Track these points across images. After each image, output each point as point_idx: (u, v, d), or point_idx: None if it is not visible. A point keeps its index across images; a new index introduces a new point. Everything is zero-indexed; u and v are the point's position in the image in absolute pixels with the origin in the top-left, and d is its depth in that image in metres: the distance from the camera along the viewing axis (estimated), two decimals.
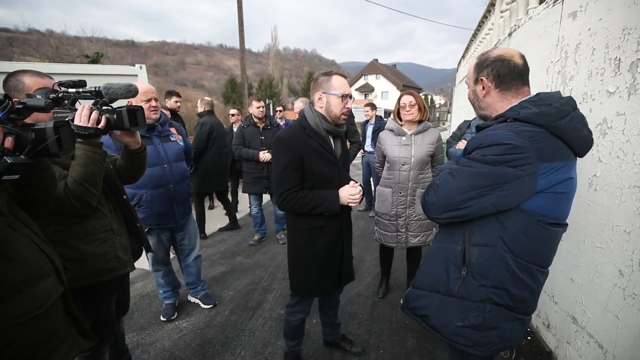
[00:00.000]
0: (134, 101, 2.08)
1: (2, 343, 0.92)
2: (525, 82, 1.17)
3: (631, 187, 1.53)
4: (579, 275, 1.91)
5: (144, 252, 1.95)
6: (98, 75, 5.28)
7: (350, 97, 1.75)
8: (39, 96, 1.11)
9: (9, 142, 0.86)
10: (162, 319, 2.67)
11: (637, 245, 1.49)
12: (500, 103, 1.18)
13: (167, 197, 2.37)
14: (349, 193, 1.72)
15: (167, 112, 4.08)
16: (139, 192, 2.29)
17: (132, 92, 1.39)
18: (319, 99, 1.70)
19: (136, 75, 5.90)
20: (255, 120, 3.89)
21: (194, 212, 3.11)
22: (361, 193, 1.76)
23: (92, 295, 1.59)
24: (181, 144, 2.53)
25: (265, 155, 3.76)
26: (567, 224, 1.14)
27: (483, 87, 1.20)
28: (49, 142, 0.91)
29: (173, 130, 2.50)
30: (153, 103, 2.22)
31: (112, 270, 1.59)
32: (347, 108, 1.73)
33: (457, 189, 1.10)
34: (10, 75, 1.34)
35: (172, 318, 2.69)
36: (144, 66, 6.28)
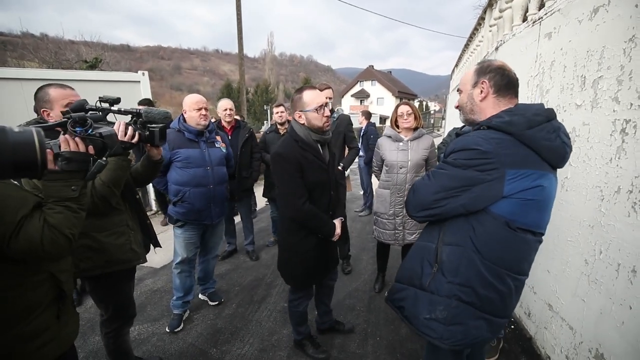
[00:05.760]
0: (187, 109, 2.51)
1: (68, 287, 1.22)
2: (517, 95, 1.26)
3: (594, 187, 1.78)
4: (553, 266, 2.15)
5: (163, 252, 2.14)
6: (101, 82, 5.47)
7: (326, 104, 1.86)
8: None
9: (91, 149, 1.11)
10: (166, 330, 2.63)
11: (598, 237, 1.74)
12: (492, 109, 1.23)
13: (207, 196, 2.58)
14: (338, 229, 2.00)
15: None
16: (183, 189, 2.51)
17: (168, 118, 1.66)
18: (299, 117, 1.85)
19: (138, 81, 6.12)
20: (278, 126, 3.90)
21: None
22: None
23: (115, 281, 1.81)
24: (224, 150, 2.77)
25: None
26: (540, 233, 1.18)
27: (481, 91, 1.24)
28: (117, 147, 1.17)
29: (218, 138, 2.76)
30: (203, 112, 2.53)
31: (128, 260, 1.81)
32: (326, 116, 1.84)
33: (431, 189, 1.20)
34: (39, 89, 1.59)
35: (176, 330, 2.63)
36: (146, 73, 6.49)
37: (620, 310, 1.58)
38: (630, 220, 1.53)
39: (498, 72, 1.22)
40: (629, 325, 1.53)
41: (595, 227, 1.76)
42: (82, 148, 1.08)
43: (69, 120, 1.06)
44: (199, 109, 2.51)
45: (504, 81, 1.22)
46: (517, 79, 1.25)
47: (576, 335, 1.89)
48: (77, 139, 1.06)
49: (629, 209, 1.53)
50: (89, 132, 1.09)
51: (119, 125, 1.53)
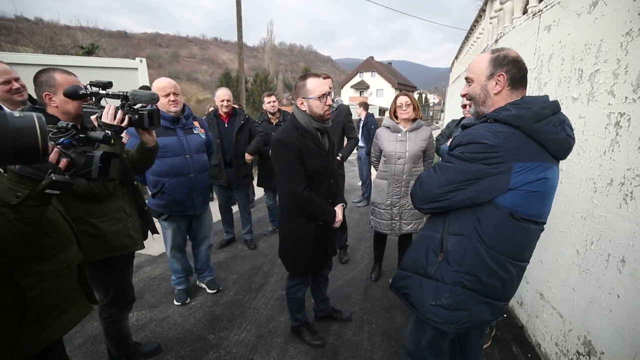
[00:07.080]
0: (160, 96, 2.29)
1: (36, 293, 1.15)
2: (526, 86, 1.26)
3: (587, 180, 1.81)
4: (546, 257, 2.19)
5: (161, 242, 2.16)
6: (98, 68, 5.41)
7: (329, 94, 1.86)
8: (98, 130, 1.36)
9: (63, 163, 1.05)
10: (176, 303, 2.82)
11: (590, 228, 1.77)
12: (502, 102, 1.22)
13: (187, 186, 2.51)
14: (340, 215, 2.04)
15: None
16: (162, 180, 2.43)
17: (154, 99, 1.66)
18: (301, 104, 1.85)
19: (136, 68, 6.05)
20: (269, 116, 3.90)
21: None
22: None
23: (114, 267, 1.83)
24: (203, 136, 2.66)
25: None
26: (542, 222, 1.23)
27: (496, 83, 1.21)
28: (93, 168, 1.14)
29: (196, 123, 2.64)
30: (172, 97, 2.34)
31: (126, 246, 1.83)
32: (328, 105, 1.85)
33: (437, 182, 1.22)
34: (41, 72, 1.53)
35: (186, 302, 2.85)
36: (144, 60, 6.40)
37: (608, 298, 1.62)
38: (621, 212, 1.56)
39: (515, 65, 1.20)
40: (616, 312, 1.58)
41: (587, 219, 1.80)
42: (52, 158, 1.03)
43: (55, 130, 1.03)
44: (167, 95, 2.32)
45: (520, 74, 1.21)
46: (527, 70, 1.24)
47: (566, 323, 1.94)
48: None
49: (621, 200, 1.56)
50: (63, 142, 1.04)
51: (109, 109, 1.52)
